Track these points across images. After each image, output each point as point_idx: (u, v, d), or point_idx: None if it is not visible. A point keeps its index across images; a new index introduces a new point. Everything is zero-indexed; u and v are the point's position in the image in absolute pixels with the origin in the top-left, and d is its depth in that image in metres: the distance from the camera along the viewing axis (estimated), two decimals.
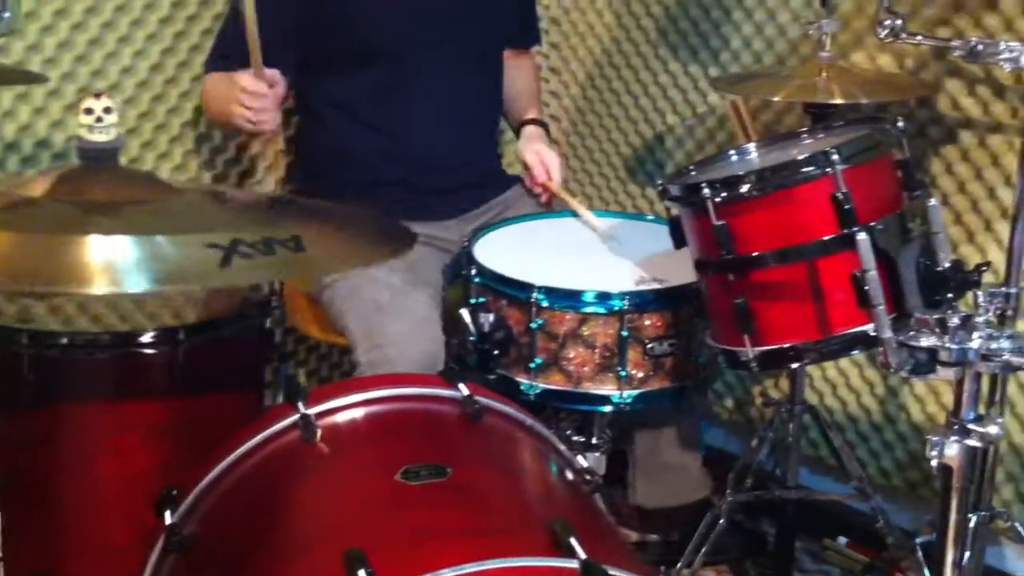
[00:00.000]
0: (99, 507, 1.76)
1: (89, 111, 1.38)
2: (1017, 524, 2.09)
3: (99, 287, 1.26)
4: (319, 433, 1.55)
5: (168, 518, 1.56)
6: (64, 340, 1.74)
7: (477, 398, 1.63)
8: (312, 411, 1.57)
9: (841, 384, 2.57)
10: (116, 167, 1.44)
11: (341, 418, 1.60)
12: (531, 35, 2.63)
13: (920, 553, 2.18)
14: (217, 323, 1.80)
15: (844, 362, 2.54)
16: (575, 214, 2.32)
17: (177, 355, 1.74)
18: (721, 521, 2.26)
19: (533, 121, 2.49)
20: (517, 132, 2.52)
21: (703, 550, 2.25)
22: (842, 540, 2.48)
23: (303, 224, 1.40)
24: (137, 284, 1.26)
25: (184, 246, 1.27)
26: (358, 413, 1.61)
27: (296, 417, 1.57)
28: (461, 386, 1.64)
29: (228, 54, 2.21)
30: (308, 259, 1.32)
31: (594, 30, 2.88)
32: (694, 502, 2.37)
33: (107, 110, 1.38)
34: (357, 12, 2.26)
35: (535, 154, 2.41)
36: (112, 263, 1.24)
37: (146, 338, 1.75)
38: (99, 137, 1.40)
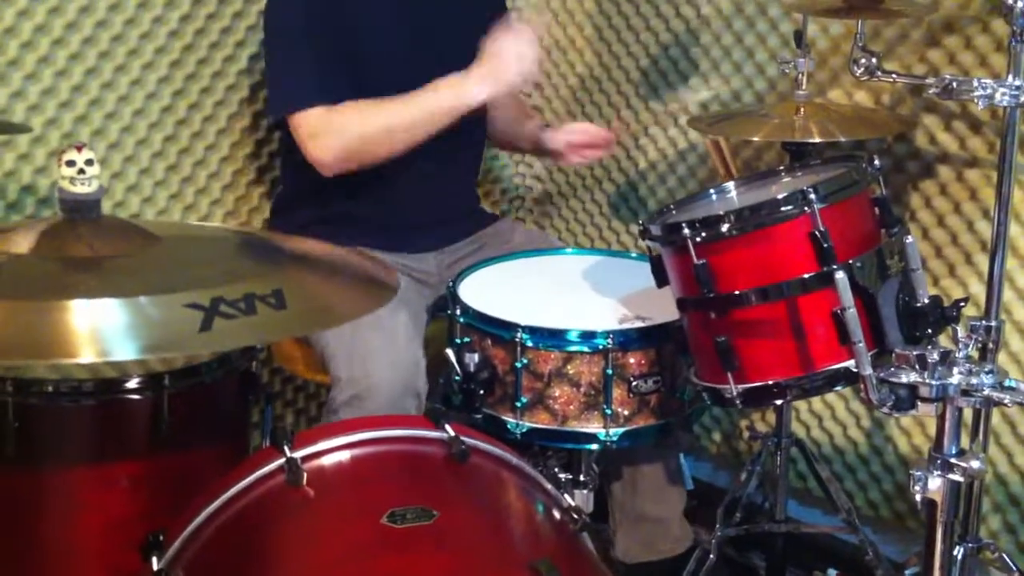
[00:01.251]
0: (82, 556, 1.75)
1: (71, 163, 1.39)
2: (1004, 555, 2.10)
3: (86, 356, 1.26)
4: (305, 476, 1.54)
5: (155, 564, 1.56)
6: (49, 388, 1.73)
7: (463, 439, 1.63)
8: (298, 454, 1.57)
9: (827, 416, 2.58)
10: (98, 218, 1.44)
11: (327, 461, 1.59)
12: None
13: None
14: (202, 367, 1.79)
15: (830, 395, 2.55)
16: (561, 252, 2.35)
17: (162, 400, 1.73)
18: (711, 556, 2.26)
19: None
20: (535, 150, 2.55)
21: None
22: (832, 572, 2.48)
23: (286, 273, 1.40)
24: (123, 352, 1.26)
25: (166, 308, 1.27)
26: (344, 456, 1.60)
27: (282, 461, 1.56)
28: (447, 427, 1.64)
29: (336, 92, 2.19)
30: (289, 318, 1.32)
31: (575, 69, 2.91)
32: (675, 556, 2.36)
33: (89, 162, 1.39)
34: (367, 58, 2.27)
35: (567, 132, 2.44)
36: (98, 330, 1.24)
37: (131, 384, 1.74)
38: (81, 189, 1.40)
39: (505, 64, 2.15)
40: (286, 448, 1.57)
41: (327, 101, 2.18)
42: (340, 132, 2.18)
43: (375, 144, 2.18)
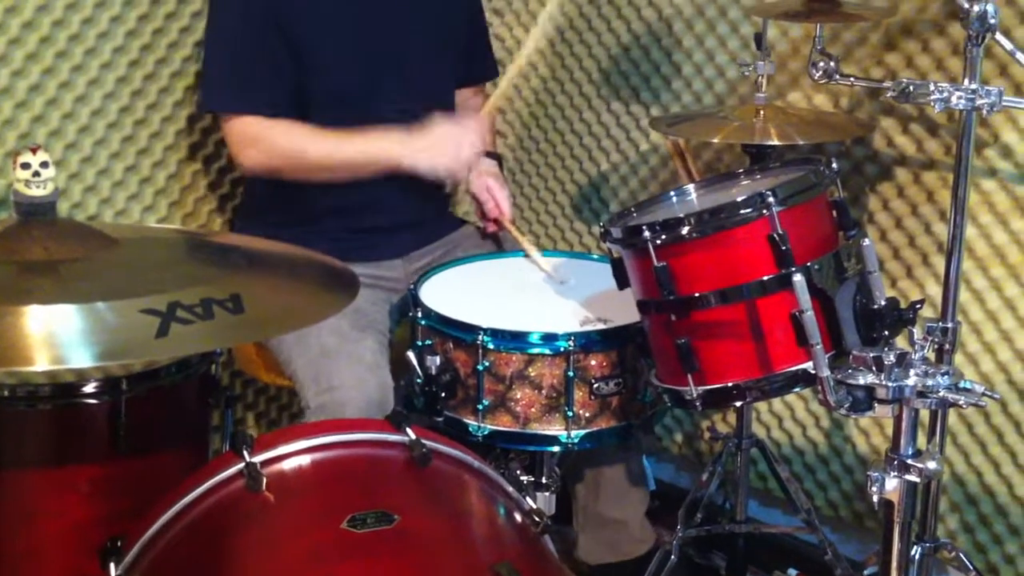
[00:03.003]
0: (41, 562, 1.73)
1: (26, 166, 1.38)
2: (962, 554, 2.12)
3: (40, 363, 1.24)
4: (265, 481, 1.54)
5: (113, 570, 1.54)
6: (5, 392, 1.70)
7: (424, 442, 1.63)
8: (258, 459, 1.57)
9: (787, 417, 2.60)
10: (53, 221, 1.43)
11: (287, 465, 1.59)
12: (488, 69, 2.64)
13: None
14: (161, 371, 1.78)
15: (790, 396, 2.57)
16: (523, 254, 2.33)
17: (120, 405, 1.72)
18: (673, 557, 2.27)
19: (486, 153, 2.46)
20: None
21: None
22: (792, 572, 2.50)
23: (244, 277, 1.39)
24: (79, 359, 1.25)
25: (122, 313, 1.26)
26: (304, 460, 1.60)
27: (241, 465, 1.56)
28: (408, 430, 1.64)
29: (278, 103, 2.24)
30: (247, 322, 1.31)
31: (537, 70, 2.91)
32: (637, 556, 2.38)
33: (44, 164, 1.38)
34: (313, 56, 2.26)
35: (486, 190, 2.40)
36: (53, 335, 1.23)
37: (89, 388, 1.72)
38: (36, 192, 1.39)
39: (443, 150, 2.21)
40: (245, 453, 1.57)
41: (264, 111, 2.24)
42: (268, 150, 2.25)
43: (298, 171, 2.26)
